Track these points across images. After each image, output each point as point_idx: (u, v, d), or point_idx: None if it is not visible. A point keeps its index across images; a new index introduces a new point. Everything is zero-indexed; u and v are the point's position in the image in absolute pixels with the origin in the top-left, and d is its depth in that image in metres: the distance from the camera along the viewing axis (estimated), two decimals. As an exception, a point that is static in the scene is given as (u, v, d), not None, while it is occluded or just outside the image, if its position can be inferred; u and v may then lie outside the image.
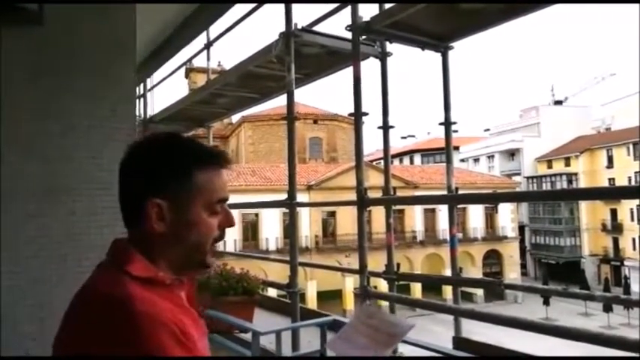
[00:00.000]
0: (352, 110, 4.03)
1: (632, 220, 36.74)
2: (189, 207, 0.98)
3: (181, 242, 0.99)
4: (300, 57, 4.66)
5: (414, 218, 33.03)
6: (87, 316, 0.89)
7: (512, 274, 34.68)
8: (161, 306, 0.88)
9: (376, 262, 4.98)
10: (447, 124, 4.20)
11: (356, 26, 3.96)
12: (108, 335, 0.84)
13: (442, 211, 30.88)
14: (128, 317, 0.83)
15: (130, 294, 0.87)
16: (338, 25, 4.37)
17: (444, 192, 4.30)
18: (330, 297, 28.29)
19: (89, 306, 0.91)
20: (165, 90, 8.88)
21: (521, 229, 41.19)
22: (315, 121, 38.97)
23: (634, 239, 36.43)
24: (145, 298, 0.87)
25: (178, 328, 0.86)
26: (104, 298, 0.88)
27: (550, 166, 45.29)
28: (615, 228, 39.12)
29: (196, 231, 0.99)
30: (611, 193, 3.13)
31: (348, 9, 4.06)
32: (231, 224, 1.06)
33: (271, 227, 28.99)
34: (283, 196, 4.71)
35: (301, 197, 5.01)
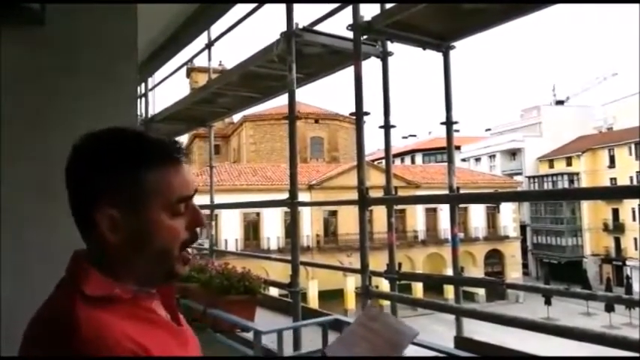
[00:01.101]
0: (353, 110, 4.02)
1: (634, 219, 36.69)
2: (145, 212, 0.87)
3: (143, 252, 0.88)
4: (302, 56, 4.67)
5: (416, 218, 33.02)
6: (36, 343, 0.84)
7: (513, 273, 34.66)
8: (115, 330, 0.79)
9: (378, 261, 4.99)
10: (449, 123, 4.20)
11: (357, 26, 3.96)
12: None
13: (443, 210, 30.91)
14: (72, 348, 0.77)
15: (77, 320, 0.78)
16: (339, 24, 4.38)
17: (446, 191, 4.29)
18: (331, 296, 28.30)
19: (38, 332, 0.85)
20: (166, 89, 8.89)
21: (523, 228, 41.18)
22: (317, 121, 38.99)
23: (636, 239, 36.38)
24: (93, 324, 0.78)
25: (131, 353, 0.78)
26: (51, 326, 0.82)
27: (552, 166, 45.25)
28: (617, 228, 39.08)
29: (158, 237, 0.88)
30: (613, 193, 3.13)
31: (350, 9, 4.06)
32: (200, 224, 0.93)
33: (273, 226, 29.01)
34: (285, 196, 4.72)
35: (303, 197, 5.01)
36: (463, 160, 50.36)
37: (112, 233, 0.86)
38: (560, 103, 53.07)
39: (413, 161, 54.24)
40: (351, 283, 27.04)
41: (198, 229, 0.94)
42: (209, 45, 6.49)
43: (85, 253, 0.91)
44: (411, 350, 3.12)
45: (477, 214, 34.33)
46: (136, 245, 0.87)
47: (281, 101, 8.57)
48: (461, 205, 27.12)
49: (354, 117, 4.07)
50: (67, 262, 0.93)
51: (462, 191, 4.42)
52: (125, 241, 0.87)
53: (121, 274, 0.88)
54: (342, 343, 1.25)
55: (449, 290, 25.02)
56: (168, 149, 0.91)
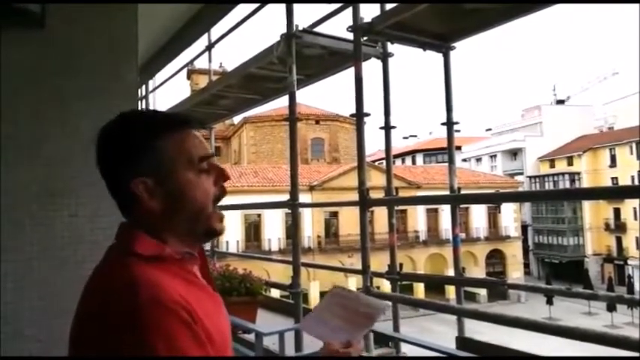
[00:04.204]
0: (354, 111, 4.03)
1: (636, 219, 36.63)
2: (175, 174, 0.96)
3: (181, 212, 0.97)
4: (302, 58, 4.67)
5: (417, 218, 33.01)
6: (94, 303, 0.88)
7: (515, 273, 34.62)
8: (169, 288, 0.86)
9: (379, 262, 4.98)
10: (449, 124, 4.19)
11: (357, 27, 3.96)
12: (113, 323, 0.82)
13: (445, 211, 30.88)
14: (133, 304, 0.82)
15: (135, 278, 0.85)
16: (339, 26, 4.38)
17: (447, 192, 4.29)
18: (332, 297, 28.24)
19: (96, 293, 0.90)
20: (167, 91, 8.90)
21: (524, 228, 41.13)
22: (317, 122, 38.98)
23: (637, 238, 36.31)
24: (150, 281, 0.85)
25: (186, 311, 0.84)
26: (109, 285, 0.87)
27: (553, 166, 45.22)
28: (618, 227, 39.03)
29: (191, 195, 0.97)
30: (614, 193, 3.13)
31: (350, 10, 4.06)
32: (226, 177, 1.03)
33: (274, 228, 29.01)
34: (285, 197, 4.72)
35: (304, 198, 5.02)
36: (464, 160, 50.32)
37: (150, 199, 0.95)
38: (560, 102, 53.01)
39: (414, 162, 54.21)
40: (352, 284, 27.01)
41: (224, 184, 1.04)
42: (209, 47, 6.50)
43: (129, 223, 0.99)
44: (412, 350, 3.12)
45: (478, 215, 34.30)
46: (173, 206, 0.96)
47: (281, 103, 8.57)
48: (462, 206, 27.12)
49: (355, 118, 4.07)
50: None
51: (463, 191, 4.41)
52: (163, 204, 0.96)
53: (165, 237, 0.96)
54: (316, 319, 1.30)
55: (450, 290, 25.00)
56: (179, 118, 1.02)
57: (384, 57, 4.40)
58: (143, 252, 0.91)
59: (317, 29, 4.59)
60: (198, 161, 0.99)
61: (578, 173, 41.86)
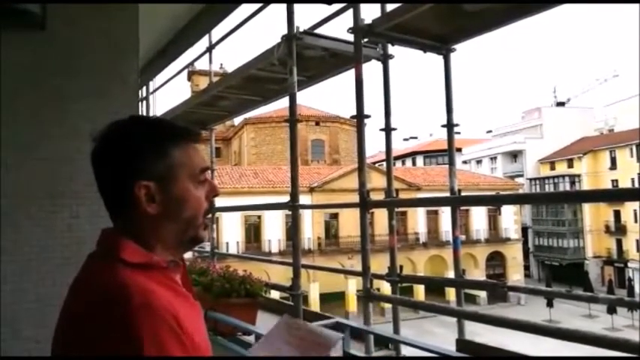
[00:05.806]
0: (354, 112, 4.02)
1: (636, 221, 36.62)
2: (176, 183, 0.98)
3: (175, 221, 0.98)
4: (302, 59, 4.67)
5: (417, 220, 32.99)
6: (83, 309, 0.88)
7: (515, 275, 34.60)
8: (157, 295, 0.86)
9: (379, 264, 4.98)
10: (450, 126, 4.19)
11: (358, 29, 3.96)
12: (104, 329, 0.82)
13: (445, 212, 30.88)
14: (125, 310, 0.82)
15: (126, 284, 0.85)
16: (340, 27, 4.38)
17: (447, 194, 4.29)
18: (332, 299, 28.27)
19: (85, 299, 0.89)
20: (167, 92, 8.90)
21: (525, 230, 41.11)
22: (318, 123, 39.00)
23: (637, 241, 36.31)
24: (140, 288, 0.85)
25: (174, 319, 0.85)
26: (99, 290, 0.87)
27: (553, 168, 45.21)
28: (619, 229, 39.01)
29: (188, 206, 0.99)
30: (614, 195, 3.11)
31: (350, 11, 4.06)
32: (216, 193, 1.07)
33: (274, 229, 29.01)
34: (286, 198, 4.71)
35: (304, 199, 5.01)
36: (464, 162, 50.33)
37: (150, 204, 0.95)
38: (561, 104, 53.00)
39: (414, 163, 54.21)
40: (352, 286, 27.01)
41: (214, 199, 1.08)
42: (210, 48, 6.50)
43: (114, 229, 0.99)
44: (412, 353, 3.11)
45: (478, 216, 34.30)
46: (169, 215, 0.97)
47: (282, 104, 8.56)
48: (462, 208, 27.11)
49: (355, 119, 4.07)
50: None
51: (463, 193, 4.41)
52: (160, 210, 0.96)
53: (152, 243, 0.97)
54: (267, 345, 1.32)
55: (450, 293, 24.99)
56: (186, 129, 1.04)
57: (385, 59, 4.40)
58: (131, 259, 0.91)
59: (318, 31, 4.59)
60: (199, 172, 1.02)
61: (579, 175, 41.84)
